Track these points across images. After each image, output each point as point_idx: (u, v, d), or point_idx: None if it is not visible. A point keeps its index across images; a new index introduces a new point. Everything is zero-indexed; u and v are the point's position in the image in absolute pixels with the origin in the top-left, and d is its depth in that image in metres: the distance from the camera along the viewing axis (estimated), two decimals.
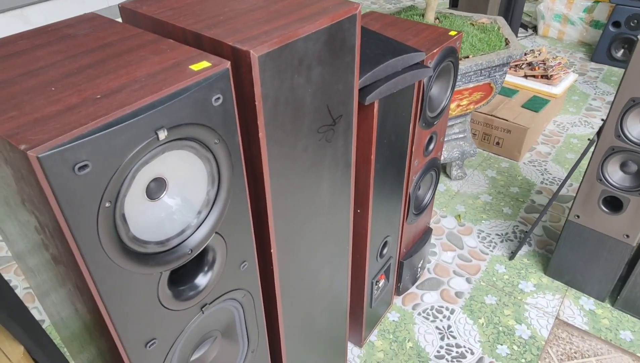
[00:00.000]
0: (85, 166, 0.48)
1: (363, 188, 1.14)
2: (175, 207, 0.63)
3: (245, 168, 0.70)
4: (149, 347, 0.66)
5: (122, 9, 0.77)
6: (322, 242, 1.01)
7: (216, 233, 0.69)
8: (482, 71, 1.82)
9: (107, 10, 3.41)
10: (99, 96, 0.52)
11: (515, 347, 1.54)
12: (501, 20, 2.07)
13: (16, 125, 0.47)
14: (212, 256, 0.71)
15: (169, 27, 0.71)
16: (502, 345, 1.54)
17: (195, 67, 0.58)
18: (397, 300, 1.70)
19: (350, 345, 1.55)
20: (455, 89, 1.84)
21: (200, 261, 0.70)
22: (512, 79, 2.61)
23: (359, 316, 1.46)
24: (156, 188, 0.60)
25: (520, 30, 3.71)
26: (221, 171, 0.65)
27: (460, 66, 1.76)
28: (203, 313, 0.73)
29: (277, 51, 0.67)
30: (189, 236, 0.65)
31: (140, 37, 0.66)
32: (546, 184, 2.23)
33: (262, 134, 0.71)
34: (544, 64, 2.66)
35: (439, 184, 2.19)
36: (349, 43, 0.80)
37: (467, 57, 1.78)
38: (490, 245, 1.91)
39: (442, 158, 2.06)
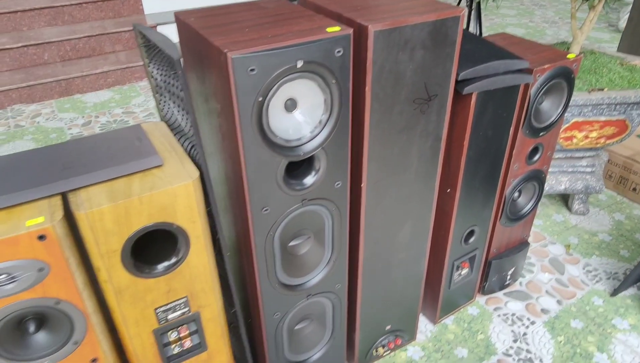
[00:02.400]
0: (253, 70, 0.83)
1: (454, 170, 1.35)
2: (299, 121, 0.95)
3: (351, 112, 1.00)
4: (264, 211, 1.00)
5: None
6: (406, 199, 1.26)
7: (322, 148, 1.00)
8: (617, 106, 1.85)
9: None
10: (269, 36, 0.87)
11: None
12: None
13: (223, 43, 0.84)
14: (317, 165, 1.02)
15: (323, 10, 1.05)
16: None
17: (329, 29, 0.90)
18: (481, 299, 1.82)
19: (424, 321, 1.73)
20: (585, 119, 1.90)
21: (308, 166, 1.02)
22: None
23: (436, 294, 1.64)
24: (291, 105, 0.93)
25: None
26: (333, 104, 0.96)
27: (591, 97, 1.82)
28: (302, 205, 1.05)
29: (389, 31, 0.96)
30: (304, 143, 0.97)
31: (303, 12, 1.01)
32: None
33: (367, 89, 1.00)
34: None
35: (557, 215, 2.23)
36: (451, 38, 1.05)
37: (602, 89, 1.84)
38: (594, 279, 1.90)
39: (563, 186, 2.10)
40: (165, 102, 1.06)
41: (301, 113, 0.95)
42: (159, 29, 3.89)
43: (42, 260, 0.79)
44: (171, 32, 3.95)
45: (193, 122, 0.86)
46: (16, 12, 3.65)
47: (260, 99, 0.87)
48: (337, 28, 0.91)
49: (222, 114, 0.93)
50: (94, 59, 3.70)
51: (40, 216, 0.79)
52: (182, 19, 0.98)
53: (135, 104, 3.37)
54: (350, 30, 0.91)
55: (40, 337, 0.88)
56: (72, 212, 0.82)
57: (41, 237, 0.78)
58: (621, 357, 1.60)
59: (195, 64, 1.00)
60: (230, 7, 1.05)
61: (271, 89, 0.87)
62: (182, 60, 0.82)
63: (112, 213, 0.83)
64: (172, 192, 0.87)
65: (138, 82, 3.71)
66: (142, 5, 4.01)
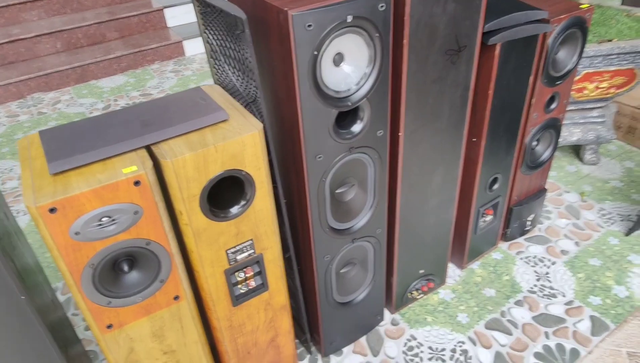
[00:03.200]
0: (310, 25, 0.93)
1: (479, 119, 1.45)
2: (347, 73, 1.05)
3: (392, 64, 1.10)
4: (318, 158, 1.10)
5: None
6: (438, 148, 1.36)
7: (367, 98, 1.10)
8: (626, 56, 1.94)
9: None
10: None
11: (608, 301, 1.68)
12: None
13: (282, 3, 0.94)
14: (362, 115, 1.12)
15: None
16: (595, 296, 1.70)
17: None
18: (503, 246, 1.94)
19: (452, 267, 1.85)
20: (595, 70, 1.99)
21: (355, 115, 1.12)
22: None
23: (463, 240, 1.76)
24: (338, 59, 1.03)
25: None
26: (376, 56, 1.06)
27: (601, 47, 1.91)
28: (350, 153, 1.15)
29: None
30: (351, 94, 1.07)
31: None
32: None
33: (405, 42, 1.10)
34: None
35: (570, 166, 2.33)
36: None
37: (611, 40, 1.92)
38: (608, 221, 2.02)
39: (575, 137, 2.20)
40: (220, 66, 1.16)
41: (348, 66, 1.05)
42: (166, 11, 3.95)
43: (137, 204, 0.91)
44: (177, 14, 4.00)
45: (256, 77, 0.96)
46: (25, 2, 3.71)
47: (315, 53, 0.96)
48: None
49: (279, 71, 1.03)
50: (105, 45, 3.77)
51: (133, 166, 0.90)
52: None
53: (151, 86, 3.45)
54: None
55: (133, 276, 1.00)
56: (158, 161, 0.92)
57: (136, 183, 0.89)
58: (638, 287, 1.72)
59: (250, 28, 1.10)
60: None
61: (324, 43, 0.97)
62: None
63: (193, 160, 0.93)
64: (241, 141, 0.97)
65: (150, 65, 3.78)
66: None
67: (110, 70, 3.65)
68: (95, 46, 3.76)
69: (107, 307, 0.99)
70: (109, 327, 1.01)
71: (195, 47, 3.90)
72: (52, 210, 0.83)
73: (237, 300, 1.19)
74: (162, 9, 3.91)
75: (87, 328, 1.69)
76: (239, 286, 1.18)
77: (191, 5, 3.99)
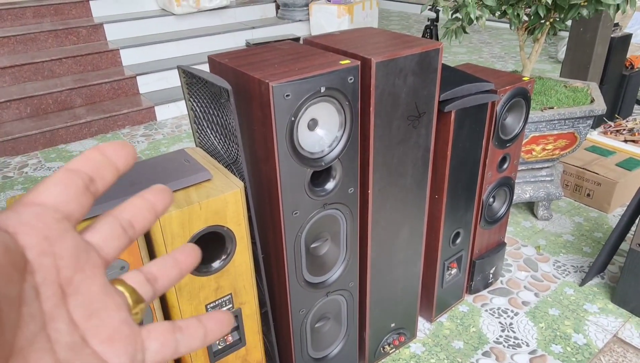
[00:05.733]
0: (288, 95, 1.04)
1: (440, 178, 1.58)
2: (320, 136, 1.16)
3: (360, 129, 1.22)
4: (294, 214, 1.18)
5: (305, 40, 1.38)
6: (404, 204, 1.47)
7: (339, 159, 1.20)
8: (566, 121, 2.16)
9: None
10: (297, 69, 1.09)
11: (568, 349, 1.77)
12: (593, 85, 2.40)
13: (263, 75, 1.05)
14: (335, 173, 1.22)
15: (329, 48, 1.29)
16: (556, 345, 1.78)
17: (342, 62, 1.13)
18: (469, 298, 2.02)
19: (421, 320, 1.91)
20: (541, 134, 2.20)
21: (328, 174, 1.22)
22: (611, 142, 2.84)
23: (431, 293, 1.83)
24: (312, 124, 1.14)
25: (636, 107, 3.84)
26: (347, 121, 1.17)
27: (544, 114, 2.13)
28: (324, 209, 1.24)
29: (387, 62, 1.19)
30: (325, 155, 1.18)
31: (314, 50, 1.24)
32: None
33: (372, 109, 1.23)
34: None
35: (525, 221, 2.49)
36: (433, 65, 1.30)
37: (552, 107, 2.15)
38: (563, 273, 2.15)
39: (528, 195, 2.38)
40: (202, 130, 1.25)
41: (321, 130, 1.16)
42: (139, 78, 4.08)
43: (123, 259, 0.95)
44: (150, 81, 4.14)
45: (239, 140, 1.05)
46: None
47: (292, 119, 1.07)
48: (347, 61, 1.13)
49: (259, 134, 1.12)
50: (75, 110, 3.83)
51: None
52: (217, 60, 1.19)
53: None
54: (358, 62, 1.14)
55: None
56: None
57: None
58: (594, 335, 1.82)
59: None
60: (252, 49, 1.27)
61: (300, 110, 1.08)
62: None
63: (179, 217, 0.99)
64: (224, 199, 1.05)
65: (121, 129, 3.84)
66: (120, 57, 4.20)
67: (80, 134, 3.69)
68: (65, 111, 3.81)
69: None
70: None
71: (166, 113, 4.00)
72: None
73: (215, 356, 1.21)
74: (134, 76, 4.04)
75: None
76: (217, 342, 1.20)
77: (163, 73, 4.15)
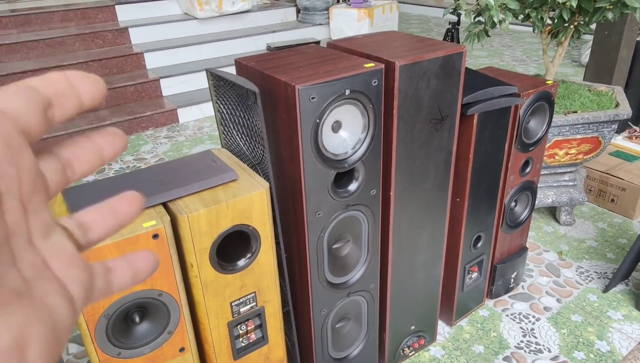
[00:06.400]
0: (314, 97, 1.06)
1: (462, 181, 1.58)
2: (344, 139, 1.18)
3: (383, 131, 1.24)
4: (317, 214, 1.20)
5: (329, 43, 1.40)
6: (425, 206, 1.47)
7: (362, 161, 1.22)
8: (590, 125, 2.14)
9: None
10: (322, 72, 1.11)
11: (591, 355, 1.74)
12: (618, 89, 2.36)
13: (289, 78, 1.07)
14: (357, 175, 1.24)
15: (353, 52, 1.30)
16: (579, 351, 1.76)
17: (366, 65, 1.14)
18: (489, 303, 2.01)
19: (441, 324, 1.91)
20: (564, 138, 2.18)
21: (351, 176, 1.24)
22: (636, 147, 2.79)
23: (451, 297, 1.83)
24: (336, 126, 1.16)
25: None
26: (370, 124, 1.19)
27: (567, 118, 2.11)
28: (346, 210, 1.25)
29: (410, 65, 1.21)
30: (348, 157, 1.19)
31: (339, 54, 1.26)
32: None
33: (395, 112, 1.24)
34: None
35: (547, 226, 2.47)
36: (457, 69, 1.31)
37: (576, 111, 2.13)
38: (587, 279, 2.12)
39: (550, 199, 2.35)
40: (228, 131, 1.28)
41: (345, 132, 1.18)
42: (162, 81, 4.16)
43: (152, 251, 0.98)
44: (173, 84, 4.21)
45: (265, 141, 1.08)
46: (26, 72, 3.88)
47: (317, 121, 1.09)
48: (372, 64, 1.15)
49: (284, 136, 1.15)
50: (102, 113, 3.92)
51: (152, 220, 0.98)
52: (244, 63, 1.22)
53: (145, 151, 3.57)
54: (382, 66, 1.15)
55: (143, 327, 1.05)
56: (175, 216, 1.01)
57: (155, 236, 0.96)
58: (618, 342, 1.80)
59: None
60: (279, 53, 1.30)
61: (325, 112, 1.10)
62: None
63: (207, 216, 1.02)
64: (250, 199, 1.07)
65: (144, 131, 3.92)
66: (144, 60, 4.29)
67: None
68: (91, 113, 3.90)
69: (116, 358, 1.02)
70: None
71: (188, 115, 4.07)
72: None
73: (238, 353, 1.23)
74: (158, 79, 4.12)
75: None
76: (240, 339, 1.22)
77: (186, 76, 4.22)
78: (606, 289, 2.04)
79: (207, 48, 4.58)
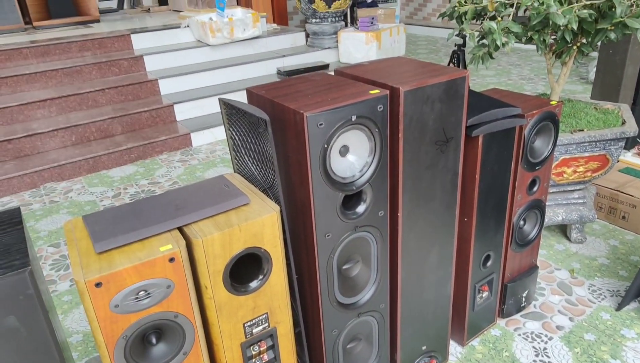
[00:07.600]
0: (321, 124, 1.11)
1: (469, 201, 1.61)
2: (352, 162, 1.22)
3: (389, 154, 1.28)
4: (327, 236, 1.24)
5: (336, 70, 1.45)
6: (433, 227, 1.50)
7: (369, 183, 1.26)
8: (597, 143, 2.16)
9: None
10: (329, 99, 1.16)
11: None
12: (624, 106, 2.38)
13: (298, 106, 1.13)
14: (365, 197, 1.28)
15: (359, 78, 1.36)
16: None
17: (372, 92, 1.19)
18: (501, 322, 2.01)
19: (453, 344, 1.91)
20: (571, 156, 2.19)
21: (359, 198, 1.28)
22: None
23: (462, 316, 1.84)
24: (344, 150, 1.21)
25: None
26: (376, 147, 1.23)
27: (574, 136, 2.13)
28: (355, 231, 1.29)
29: (415, 90, 1.25)
30: (356, 180, 1.23)
31: (345, 81, 1.31)
32: None
33: (401, 135, 1.28)
34: None
35: (558, 244, 2.47)
36: (460, 92, 1.35)
37: (582, 130, 2.15)
38: (599, 297, 2.11)
39: (560, 217, 2.36)
40: (240, 157, 1.33)
41: (352, 156, 1.22)
42: (176, 107, 4.26)
43: (170, 279, 1.02)
44: (186, 109, 4.31)
45: (275, 166, 1.12)
46: (45, 100, 4.01)
47: (325, 146, 1.14)
48: (377, 90, 1.20)
49: (293, 161, 1.19)
50: (117, 138, 4.02)
51: (168, 244, 1.02)
52: (254, 92, 1.28)
53: (159, 175, 3.65)
54: (387, 92, 1.20)
55: (159, 348, 1.08)
56: (190, 240, 1.05)
57: (171, 259, 1.01)
58: (633, 361, 1.78)
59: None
60: (288, 80, 1.35)
61: (333, 138, 1.14)
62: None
63: (220, 239, 1.06)
64: (261, 222, 1.11)
65: (159, 155, 4.01)
66: (158, 87, 4.41)
67: (121, 160, 3.87)
68: (107, 139, 4.01)
69: None
70: None
71: (201, 139, 4.16)
72: (97, 284, 0.94)
73: None
74: (172, 105, 4.23)
75: None
76: (254, 360, 1.25)
77: (199, 101, 4.33)
78: (619, 307, 2.03)
79: (219, 73, 4.70)
